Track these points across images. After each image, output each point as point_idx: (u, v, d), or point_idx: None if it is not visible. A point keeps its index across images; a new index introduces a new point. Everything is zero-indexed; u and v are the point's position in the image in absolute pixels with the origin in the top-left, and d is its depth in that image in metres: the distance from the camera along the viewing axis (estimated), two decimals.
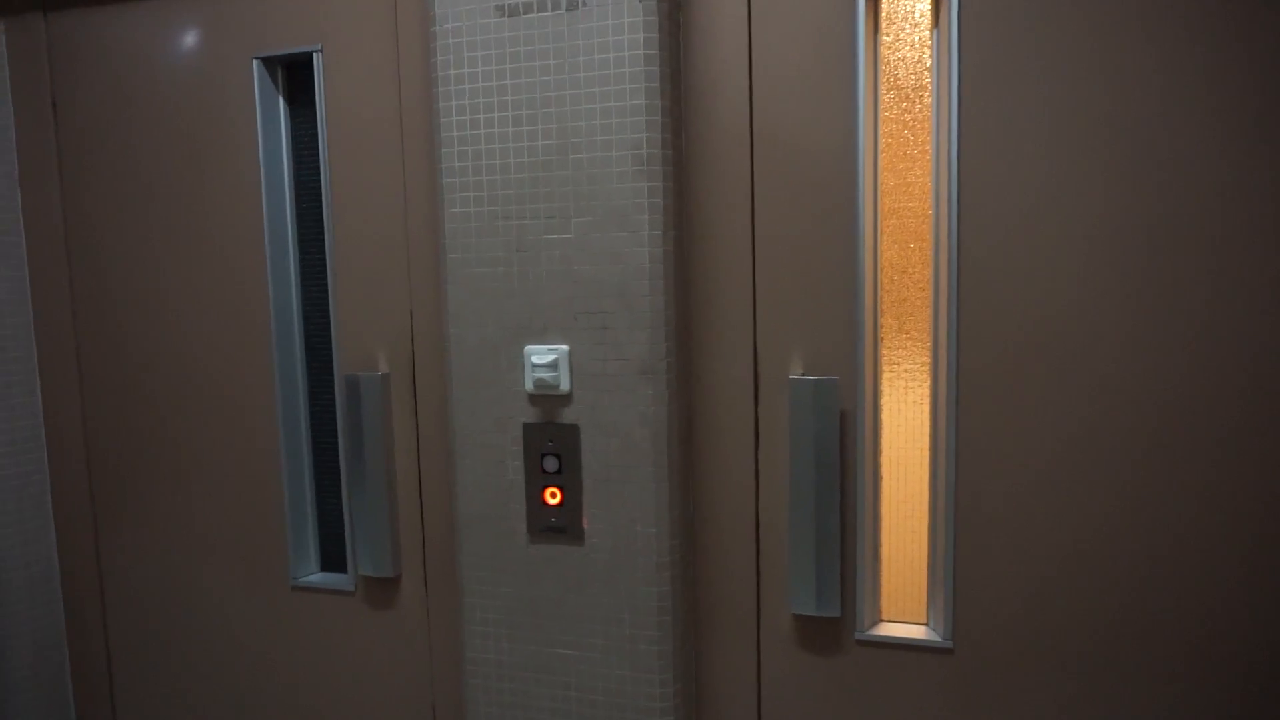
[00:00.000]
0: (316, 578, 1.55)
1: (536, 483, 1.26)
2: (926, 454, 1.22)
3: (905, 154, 1.18)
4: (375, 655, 1.50)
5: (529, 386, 1.24)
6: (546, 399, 1.24)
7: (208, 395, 1.55)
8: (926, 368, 1.21)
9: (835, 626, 1.26)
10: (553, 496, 1.25)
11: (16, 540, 1.62)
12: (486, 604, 1.31)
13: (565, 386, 1.22)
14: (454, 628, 1.45)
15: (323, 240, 1.49)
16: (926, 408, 1.22)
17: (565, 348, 1.22)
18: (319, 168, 1.47)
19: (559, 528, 1.26)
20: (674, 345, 1.21)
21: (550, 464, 1.25)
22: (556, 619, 1.27)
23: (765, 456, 1.26)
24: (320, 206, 1.48)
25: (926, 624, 1.25)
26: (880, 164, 1.19)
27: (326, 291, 1.49)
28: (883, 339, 1.22)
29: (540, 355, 1.22)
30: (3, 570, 1.61)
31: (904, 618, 1.26)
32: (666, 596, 1.22)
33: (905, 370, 1.22)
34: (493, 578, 1.30)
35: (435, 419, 1.41)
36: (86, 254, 1.60)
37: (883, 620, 1.27)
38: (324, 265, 1.50)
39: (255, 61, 1.44)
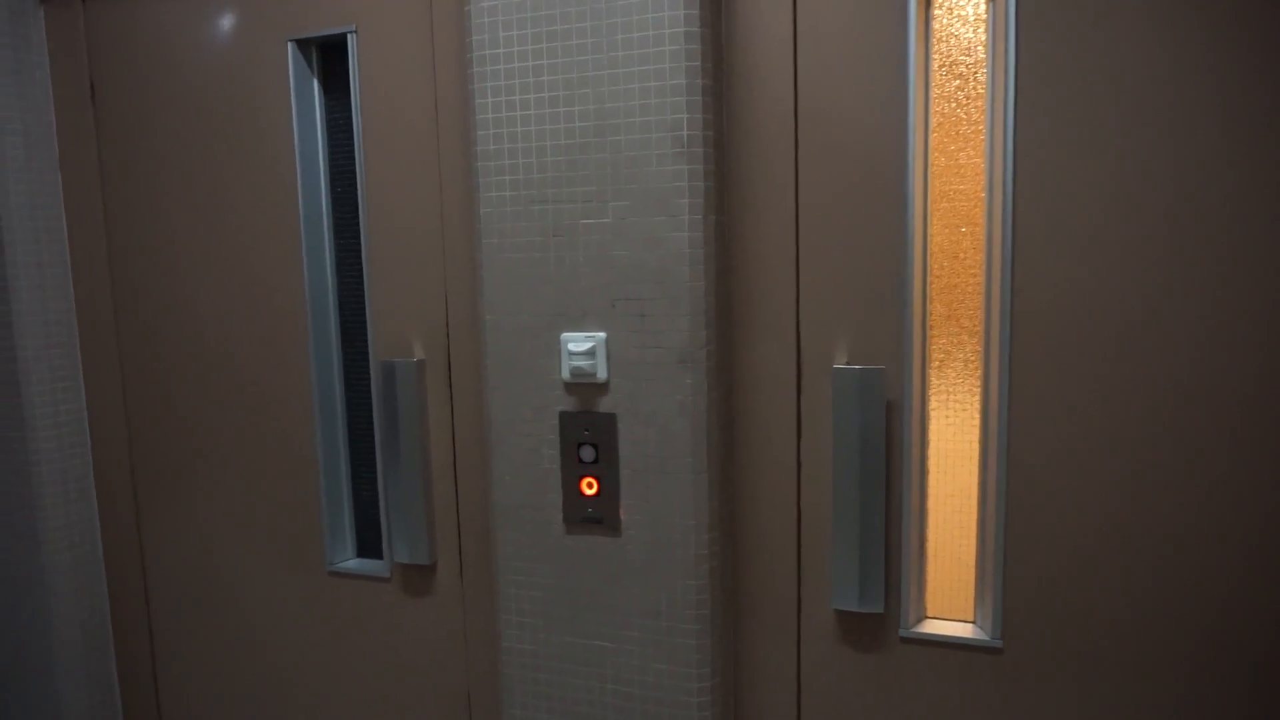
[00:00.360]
0: (353, 563, 1.55)
1: (573, 472, 1.24)
2: (976, 446, 1.18)
3: (958, 134, 1.13)
4: (411, 642, 1.50)
5: (565, 375, 1.21)
6: (583, 387, 1.22)
7: (245, 380, 1.55)
8: (978, 356, 1.16)
9: (878, 623, 1.22)
10: (589, 486, 1.23)
11: (61, 521, 1.64)
12: (523, 594, 1.30)
13: (602, 375, 1.20)
14: (490, 616, 1.44)
15: (358, 225, 1.47)
16: (977, 398, 1.17)
17: (603, 335, 1.19)
18: (353, 151, 1.45)
19: (595, 518, 1.23)
20: (714, 333, 1.18)
21: (587, 453, 1.22)
22: (593, 610, 1.26)
23: (807, 448, 1.22)
24: (355, 190, 1.46)
25: (974, 622, 1.21)
26: (931, 144, 1.14)
27: (361, 276, 1.48)
28: (932, 327, 1.18)
29: (577, 343, 1.20)
30: (49, 551, 1.63)
31: (950, 615, 1.22)
32: (704, 590, 1.20)
33: (956, 359, 1.17)
34: (529, 568, 1.29)
35: (470, 406, 1.40)
36: (124, 239, 1.60)
37: (928, 617, 1.23)
38: (359, 250, 1.48)
39: (290, 43, 1.42)
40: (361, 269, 1.47)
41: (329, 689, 1.58)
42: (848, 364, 1.19)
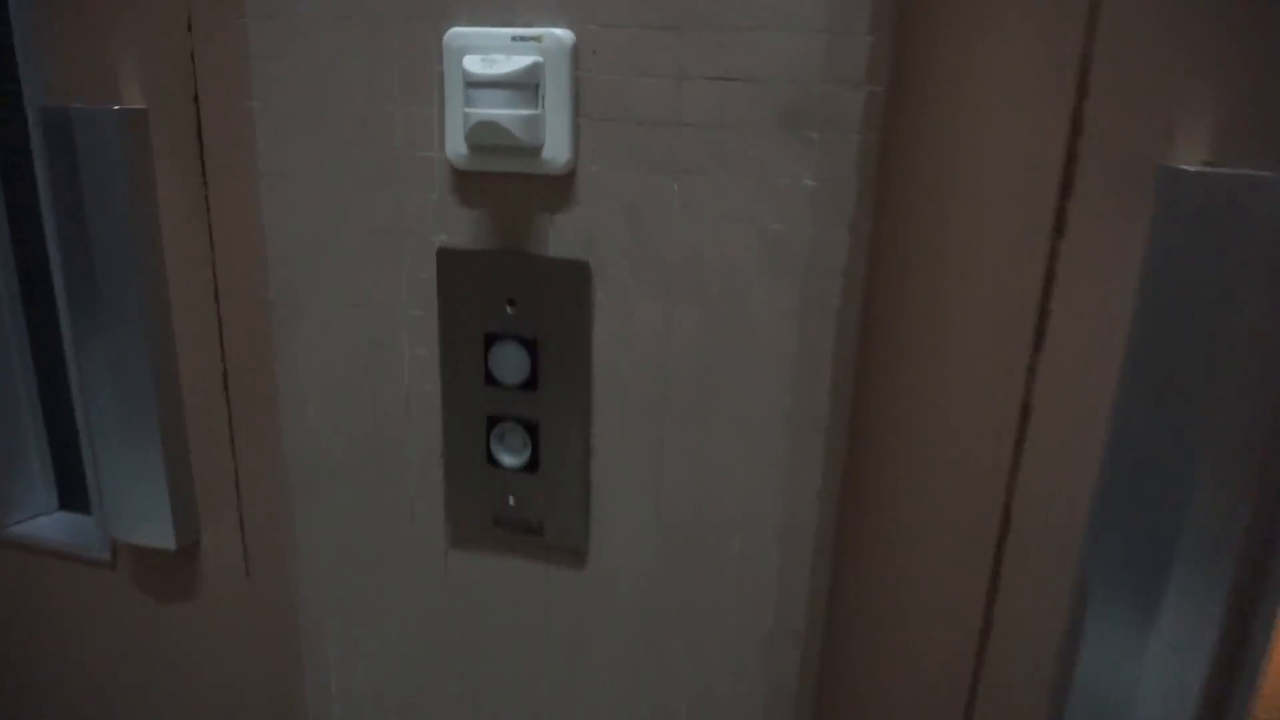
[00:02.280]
0: (44, 524, 0.80)
1: (472, 406, 0.49)
2: None
3: None
4: (157, 674, 0.79)
5: (455, 147, 0.45)
6: (499, 183, 0.46)
7: None
8: None
9: None
10: (511, 444, 0.49)
11: None
12: (356, 650, 0.58)
13: (562, 155, 0.44)
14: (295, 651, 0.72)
15: None
16: None
17: (566, 36, 0.42)
18: None
19: (524, 523, 0.51)
20: (884, 63, 0.42)
21: (509, 357, 0.48)
22: (518, 709, 0.55)
23: (1059, 332, 0.50)
24: None
25: None
26: None
27: None
28: None
29: (491, 59, 0.42)
30: None
31: None
32: (789, 697, 0.50)
33: None
34: (375, 606, 0.56)
35: (242, 221, 0.63)
36: None
37: None
38: None
39: None
40: None
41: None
42: (1207, 167, 0.45)
